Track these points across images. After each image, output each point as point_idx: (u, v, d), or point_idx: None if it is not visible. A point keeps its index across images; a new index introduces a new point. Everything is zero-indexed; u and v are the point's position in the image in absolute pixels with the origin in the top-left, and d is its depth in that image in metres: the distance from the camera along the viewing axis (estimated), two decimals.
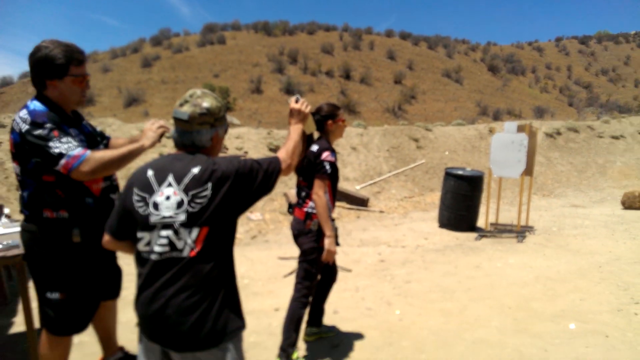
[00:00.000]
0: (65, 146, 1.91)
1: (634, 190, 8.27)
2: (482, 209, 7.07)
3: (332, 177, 2.77)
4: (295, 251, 3.07)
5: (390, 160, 10.75)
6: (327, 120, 2.86)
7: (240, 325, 1.68)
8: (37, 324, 2.33)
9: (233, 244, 1.71)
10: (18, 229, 2.62)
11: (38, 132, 1.90)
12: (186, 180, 1.58)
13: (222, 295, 1.62)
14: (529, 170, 6.34)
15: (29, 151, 1.93)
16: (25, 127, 1.90)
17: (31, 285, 2.25)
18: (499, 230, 6.49)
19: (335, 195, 2.91)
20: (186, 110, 1.62)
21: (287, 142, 1.93)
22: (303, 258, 2.81)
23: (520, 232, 6.27)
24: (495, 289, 4.20)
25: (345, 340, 3.16)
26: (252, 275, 4.69)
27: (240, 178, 1.63)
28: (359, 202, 8.27)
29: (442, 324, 3.43)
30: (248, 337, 3.23)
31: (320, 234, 2.71)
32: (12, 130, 1.96)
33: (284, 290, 4.18)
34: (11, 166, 7.33)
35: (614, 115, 20.85)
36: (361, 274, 4.74)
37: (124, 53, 34.25)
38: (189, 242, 1.55)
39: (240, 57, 34.45)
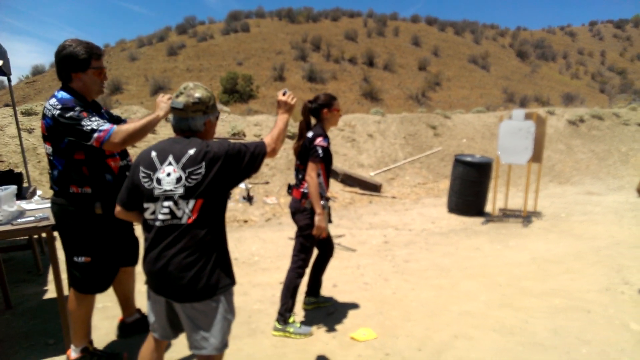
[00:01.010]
0: (95, 123, 2.27)
1: None
2: (492, 195, 7.18)
3: (325, 160, 3.04)
4: None
5: (406, 148, 10.89)
6: (322, 109, 3.12)
7: (230, 282, 2.00)
8: (66, 290, 2.70)
9: (224, 214, 2.02)
10: (48, 205, 3.01)
11: (70, 114, 2.25)
12: (184, 159, 1.89)
13: (215, 256, 1.93)
14: (537, 157, 6.42)
15: (62, 132, 2.28)
16: (57, 112, 2.26)
17: (60, 258, 2.62)
18: (506, 215, 6.62)
19: (329, 177, 3.18)
20: (181, 100, 1.92)
21: (273, 130, 2.21)
22: (299, 233, 3.11)
23: (527, 217, 6.39)
24: (490, 268, 4.41)
25: (340, 309, 3.46)
26: (263, 253, 5.03)
27: (229, 158, 1.93)
28: (372, 188, 8.49)
29: (432, 298, 3.68)
30: (253, 305, 3.57)
31: (314, 212, 2.99)
32: (44, 116, 2.32)
33: None
34: (43, 152, 7.90)
35: None
36: (365, 253, 5.01)
37: (150, 41, 35.05)
38: (187, 211, 1.87)
39: (264, 44, 34.74)
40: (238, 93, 24.54)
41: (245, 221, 6.82)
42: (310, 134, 3.05)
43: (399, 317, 3.32)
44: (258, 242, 5.51)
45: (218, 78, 26.48)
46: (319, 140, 2.97)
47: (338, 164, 9.52)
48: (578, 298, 3.67)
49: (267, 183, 8.39)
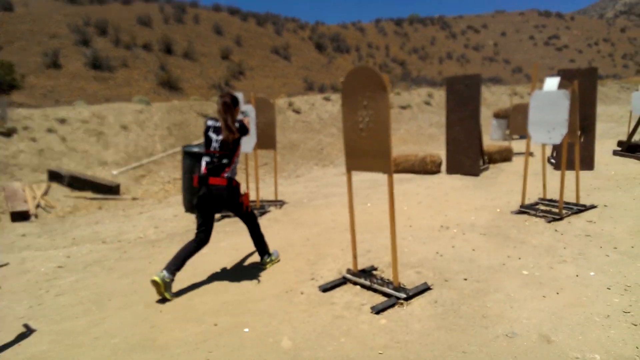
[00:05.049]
0: None
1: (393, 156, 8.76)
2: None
3: None
4: None
5: (168, 139, 9.68)
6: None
7: None
8: None
9: None
10: None
11: None
12: None
13: None
14: (268, 144, 5.97)
15: None
16: None
17: None
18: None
19: None
20: None
21: None
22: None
23: (261, 207, 5.90)
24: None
25: None
26: None
27: None
28: (107, 190, 7.07)
29: (41, 354, 2.61)
30: None
31: None
32: None
33: None
34: None
35: (413, 88, 23.21)
36: (10, 290, 3.66)
37: None
38: None
39: (33, 26, 29.06)
40: None
41: None
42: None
43: None
44: None
45: None
46: None
47: (71, 164, 7.78)
48: (246, 311, 3.07)
49: None
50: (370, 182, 7.86)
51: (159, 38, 30.67)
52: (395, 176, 8.27)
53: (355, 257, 3.59)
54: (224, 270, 3.88)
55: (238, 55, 33.71)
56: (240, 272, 3.81)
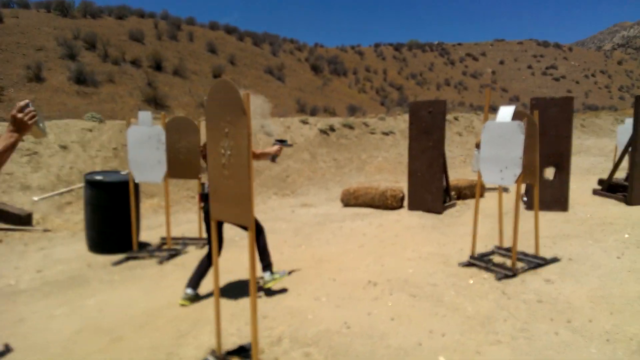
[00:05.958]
0: None
1: (351, 187, 7.95)
2: (160, 221, 5.73)
3: None
4: None
5: (111, 162, 8.90)
6: None
7: None
8: None
9: None
10: None
11: None
12: None
13: None
14: (185, 173, 5.18)
15: None
16: None
17: None
18: (152, 250, 5.19)
19: None
20: None
21: None
22: None
23: (172, 250, 5.06)
24: None
25: None
26: None
27: None
28: (16, 220, 6.24)
29: None
30: None
31: None
32: None
33: None
34: None
35: (398, 113, 22.60)
36: None
37: None
38: None
39: (21, 39, 28.77)
40: None
41: None
42: None
43: None
44: None
45: None
46: None
47: None
48: None
49: None
50: (323, 216, 7.04)
51: (149, 54, 30.35)
52: (352, 211, 7.46)
53: (218, 334, 2.74)
54: (55, 344, 3.01)
55: (231, 74, 33.42)
56: (73, 350, 2.95)
